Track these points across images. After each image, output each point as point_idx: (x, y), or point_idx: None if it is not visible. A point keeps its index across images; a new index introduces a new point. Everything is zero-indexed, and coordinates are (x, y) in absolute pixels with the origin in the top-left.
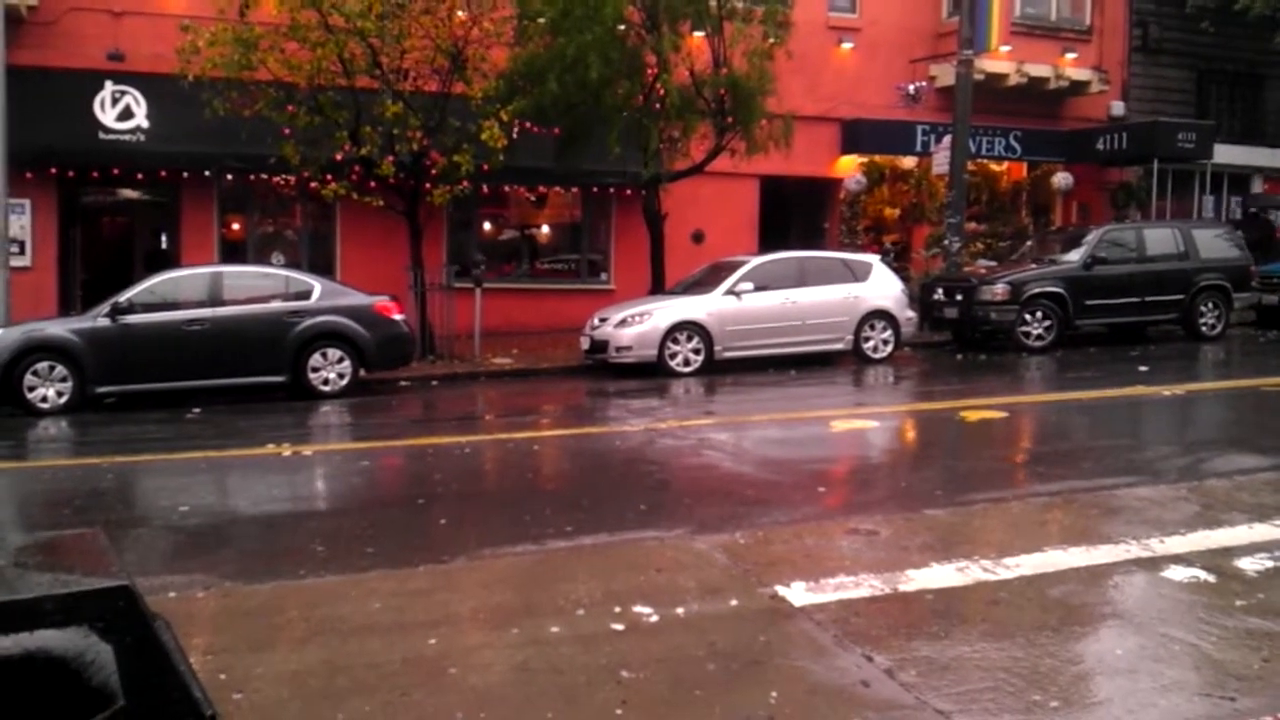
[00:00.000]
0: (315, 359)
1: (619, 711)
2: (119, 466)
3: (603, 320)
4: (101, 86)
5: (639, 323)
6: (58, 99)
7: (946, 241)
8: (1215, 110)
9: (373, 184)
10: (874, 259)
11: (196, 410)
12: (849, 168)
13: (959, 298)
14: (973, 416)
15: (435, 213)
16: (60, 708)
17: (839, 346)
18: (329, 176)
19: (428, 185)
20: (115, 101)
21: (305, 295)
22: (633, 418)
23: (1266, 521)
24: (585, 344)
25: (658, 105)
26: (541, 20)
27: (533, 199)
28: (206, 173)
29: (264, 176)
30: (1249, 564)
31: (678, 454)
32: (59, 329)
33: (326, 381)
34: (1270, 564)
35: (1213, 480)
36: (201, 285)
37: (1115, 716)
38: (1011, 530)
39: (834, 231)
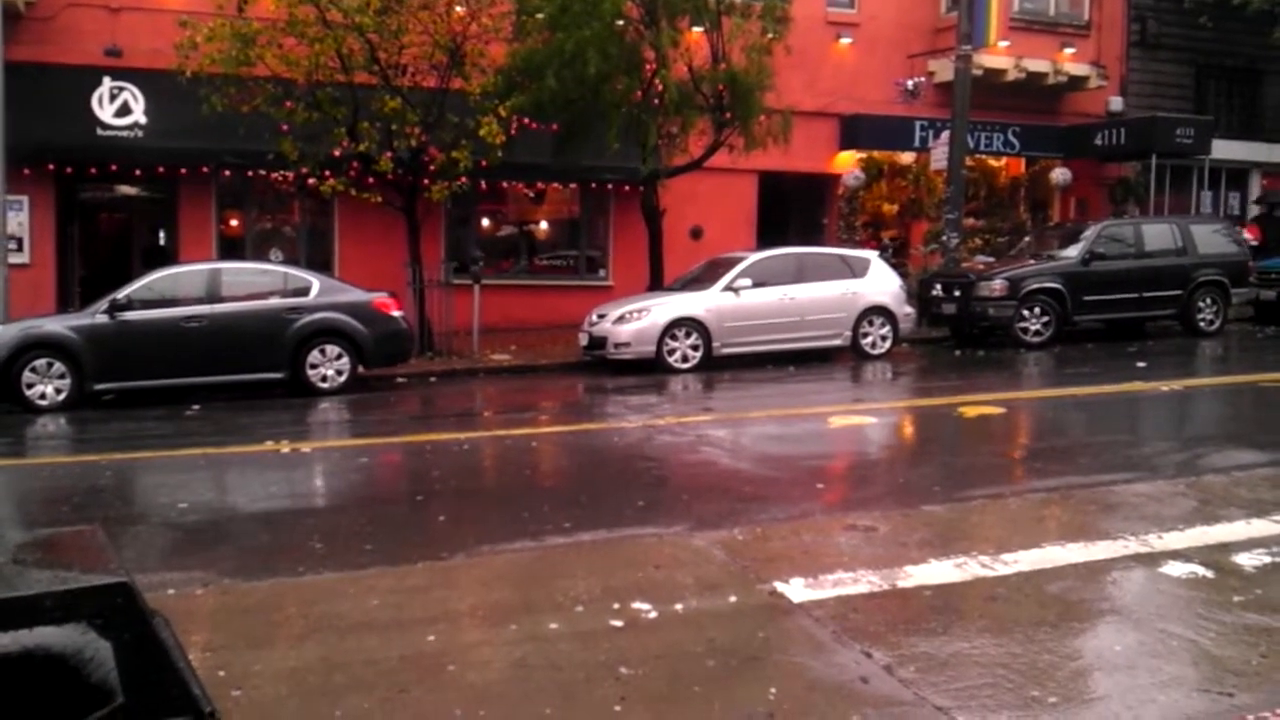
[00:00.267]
0: (314, 355)
1: (617, 708)
2: (117, 463)
3: (601, 316)
4: (99, 82)
5: (637, 319)
6: (55, 95)
7: (945, 237)
8: (1214, 105)
9: (371, 180)
10: (872, 255)
11: (195, 407)
12: (847, 163)
13: (957, 293)
14: (971, 412)
15: (433, 209)
16: (59, 705)
17: (837, 342)
18: (327, 172)
19: (426, 181)
20: (113, 97)
21: (304, 292)
22: (631, 414)
23: (1264, 517)
24: (584, 340)
25: (656, 101)
26: (540, 16)
27: (531, 195)
28: (204, 169)
29: (262, 172)
30: (1247, 560)
31: (676, 450)
32: (57, 326)
33: (325, 378)
34: (1268, 560)
35: (1211, 476)
36: (200, 282)
37: (1114, 712)
38: (1010, 526)
39: (832, 227)
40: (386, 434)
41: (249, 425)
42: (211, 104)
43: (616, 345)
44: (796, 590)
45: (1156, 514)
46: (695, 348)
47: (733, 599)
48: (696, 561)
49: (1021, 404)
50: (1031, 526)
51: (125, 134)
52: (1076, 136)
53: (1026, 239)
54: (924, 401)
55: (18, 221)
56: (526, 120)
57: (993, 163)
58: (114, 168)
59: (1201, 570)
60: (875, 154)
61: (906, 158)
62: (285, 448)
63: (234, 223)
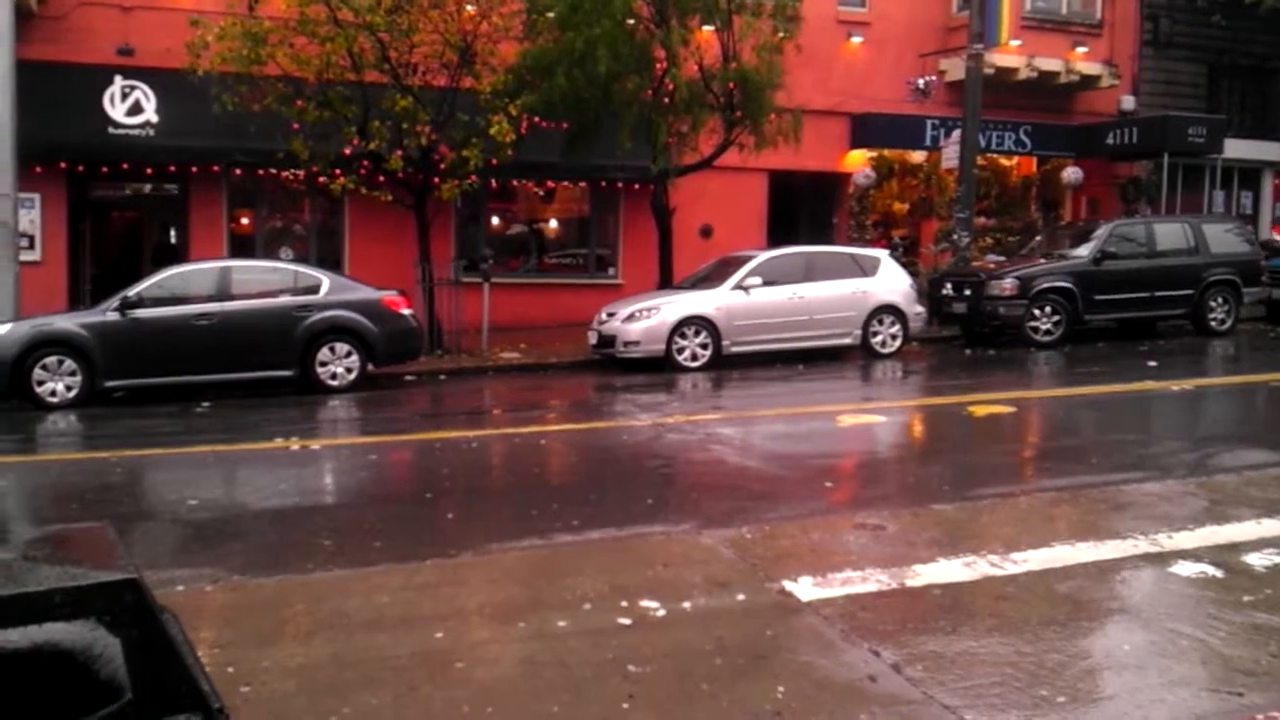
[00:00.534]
0: (323, 353)
1: (626, 705)
2: (127, 460)
3: (610, 315)
4: (111, 81)
5: (647, 317)
6: (67, 94)
7: (955, 236)
8: (1226, 105)
9: (381, 179)
10: (882, 254)
11: (205, 404)
12: (858, 162)
13: (968, 293)
14: (981, 411)
15: (443, 207)
16: (68, 700)
17: (847, 341)
18: (338, 171)
19: (436, 180)
20: (125, 96)
21: (314, 290)
22: (640, 412)
23: (1275, 517)
24: (593, 339)
25: (666, 99)
26: (550, 14)
27: (541, 194)
28: (215, 168)
29: (273, 171)
30: (1257, 559)
31: (685, 449)
32: (68, 323)
33: (335, 376)
34: (1278, 559)
35: (1221, 476)
36: (210, 280)
37: (1123, 712)
38: (1019, 525)
39: (842, 226)
40: (396, 432)
41: (258, 422)
42: (222, 103)
43: (626, 343)
44: (805, 589)
45: (1166, 513)
46: (705, 346)
47: (741, 597)
48: (705, 560)
49: (1032, 403)
50: (1041, 526)
51: (137, 132)
52: (1088, 136)
53: (1037, 238)
54: (934, 400)
55: (29, 219)
56: (537, 119)
57: (1004, 162)
58: (125, 166)
59: (1211, 570)
60: (886, 153)
61: (917, 157)
62: (295, 445)
63: (245, 221)
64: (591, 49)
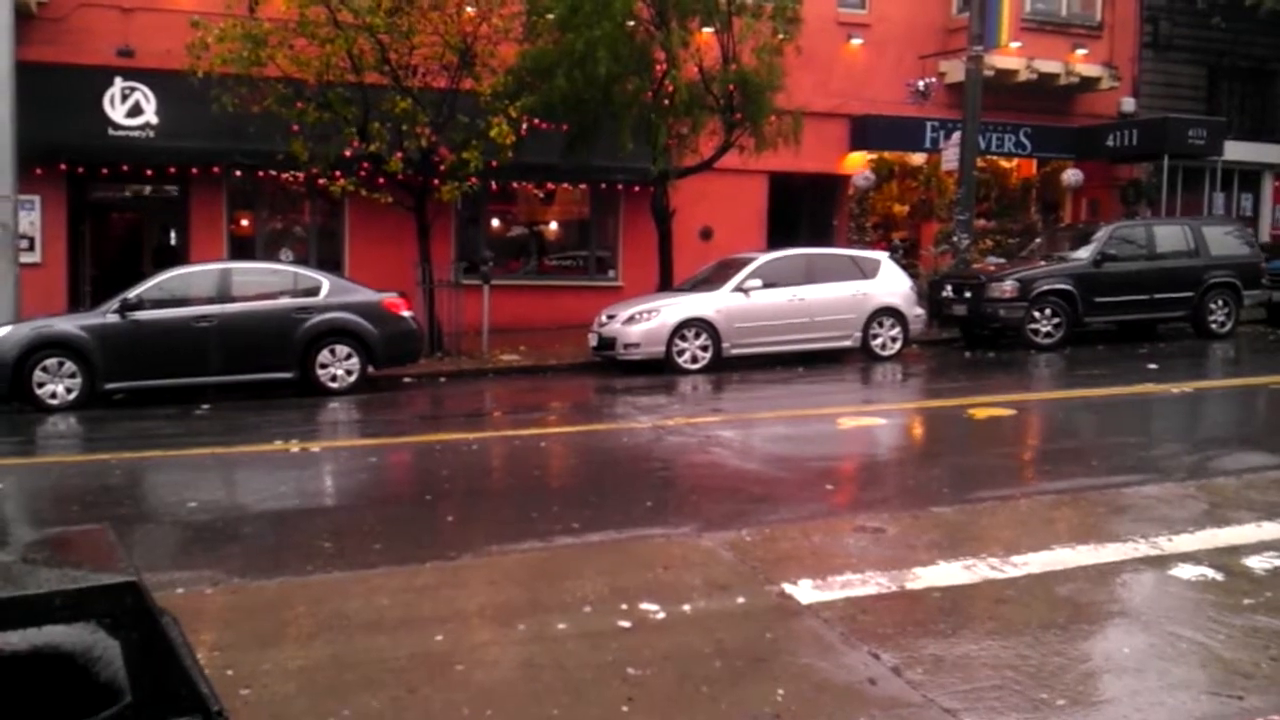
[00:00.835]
0: (324, 355)
1: (625, 708)
2: (127, 463)
3: (611, 317)
4: (111, 83)
5: (647, 320)
6: (67, 95)
7: (955, 238)
8: (1226, 107)
9: (381, 180)
10: (882, 256)
11: (205, 406)
12: (858, 164)
13: (968, 295)
14: (981, 414)
15: (443, 209)
16: (68, 703)
17: (847, 344)
18: (338, 173)
19: (436, 181)
20: (125, 98)
21: (314, 292)
22: (640, 415)
23: (1275, 520)
24: (593, 341)
25: (666, 101)
26: (550, 16)
27: (541, 195)
28: (215, 169)
29: (273, 173)
30: (1257, 562)
31: (685, 451)
32: (68, 325)
33: (335, 378)
34: (1278, 562)
35: (1221, 478)
36: (210, 282)
37: (1123, 715)
38: (1019, 528)
39: (842, 228)
40: (396, 434)
41: (258, 425)
42: (222, 104)
43: (626, 346)
44: (805, 591)
45: (1166, 516)
46: (705, 348)
47: (741, 600)
48: (705, 562)
49: (1032, 406)
50: (1041, 528)
51: (137, 134)
52: (1088, 138)
53: (1037, 240)
54: (934, 403)
55: (29, 221)
56: (537, 121)
57: (1004, 164)
58: (125, 168)
59: (1211, 573)
60: (886, 155)
61: (917, 159)
62: (294, 447)
63: (244, 223)
64: (591, 51)
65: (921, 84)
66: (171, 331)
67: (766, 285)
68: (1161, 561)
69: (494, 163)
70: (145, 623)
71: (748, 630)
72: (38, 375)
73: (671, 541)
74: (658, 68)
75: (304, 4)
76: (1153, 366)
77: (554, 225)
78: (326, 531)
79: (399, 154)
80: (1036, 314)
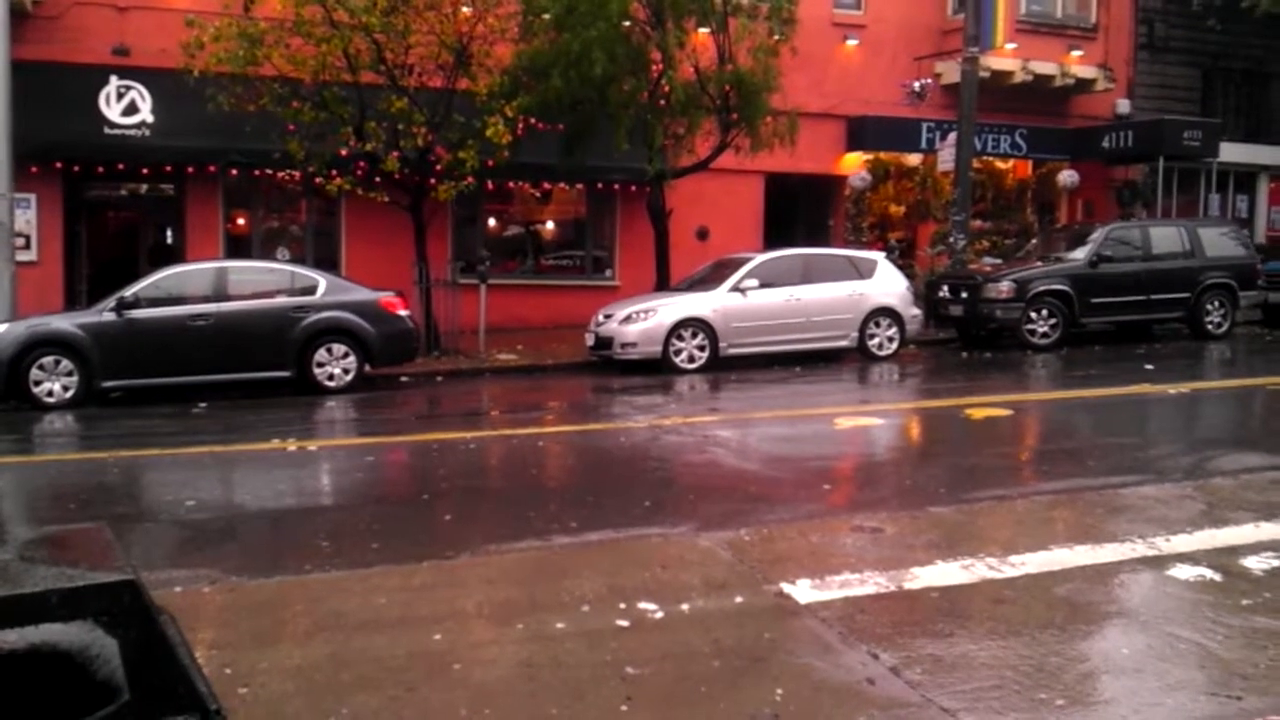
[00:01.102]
0: (320, 354)
1: (624, 708)
2: (124, 461)
3: (608, 317)
4: (106, 81)
5: (644, 319)
6: (63, 94)
7: (952, 239)
8: (1221, 108)
9: (378, 180)
10: (879, 256)
11: (202, 405)
12: (854, 165)
13: (964, 295)
14: (978, 414)
15: (440, 209)
16: (65, 702)
17: (844, 344)
18: (334, 172)
19: (432, 181)
20: (120, 96)
21: (310, 291)
22: (637, 414)
23: (1273, 520)
24: (590, 340)
25: (662, 101)
26: (546, 16)
27: (537, 195)
28: (211, 168)
29: (269, 172)
30: (1255, 563)
31: (682, 450)
32: (65, 323)
33: (332, 377)
34: (1276, 563)
35: (1219, 479)
36: (207, 280)
37: (1121, 715)
38: (1017, 528)
39: (839, 229)
40: (393, 433)
41: (255, 423)
42: (218, 103)
43: (623, 345)
44: (803, 591)
45: (1164, 517)
46: (702, 348)
47: (739, 599)
48: (703, 562)
49: (1028, 406)
50: (1039, 528)
51: (132, 133)
52: (1084, 139)
53: (1033, 241)
54: (931, 403)
55: (25, 219)
56: (533, 120)
57: (1000, 165)
58: (121, 166)
59: (1209, 573)
60: (882, 155)
61: (913, 159)
62: (292, 446)
63: (241, 221)
64: (587, 51)
65: (917, 85)
66: (168, 330)
67: (763, 285)
68: (1159, 562)
69: (490, 162)
70: (143, 621)
71: (746, 630)
72: (34, 373)
73: (669, 541)
74: (654, 68)
75: (300, 3)
76: (1149, 367)
77: (550, 225)
78: (324, 530)
79: (395, 153)
80: (1033, 314)
